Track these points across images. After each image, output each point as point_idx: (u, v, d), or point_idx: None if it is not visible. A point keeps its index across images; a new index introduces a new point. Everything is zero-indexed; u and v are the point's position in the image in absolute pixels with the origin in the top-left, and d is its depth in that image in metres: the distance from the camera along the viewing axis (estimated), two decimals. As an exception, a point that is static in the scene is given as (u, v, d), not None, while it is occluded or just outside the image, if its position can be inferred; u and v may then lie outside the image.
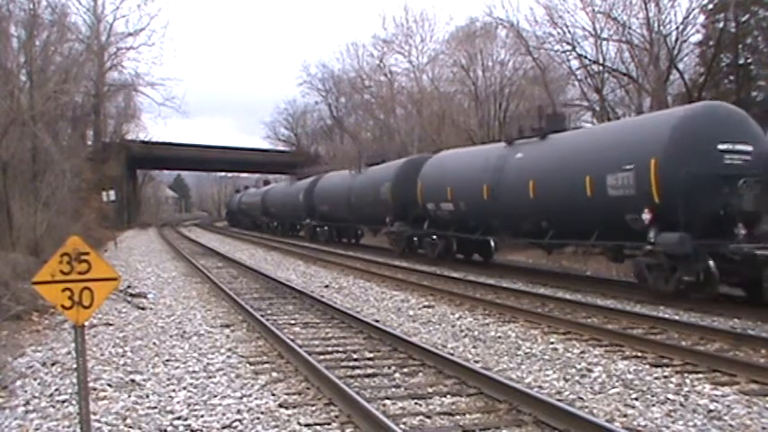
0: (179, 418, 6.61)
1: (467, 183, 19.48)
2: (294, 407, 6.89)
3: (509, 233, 18.83)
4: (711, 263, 12.20)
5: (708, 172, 12.38)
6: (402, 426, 6.18)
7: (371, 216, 27.52)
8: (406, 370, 8.30)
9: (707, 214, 12.45)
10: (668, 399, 7.00)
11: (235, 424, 6.41)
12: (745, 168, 12.55)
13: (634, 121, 17.09)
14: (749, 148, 12.52)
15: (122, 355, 9.44)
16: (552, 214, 16.18)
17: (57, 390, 7.70)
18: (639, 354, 8.98)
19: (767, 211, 12.01)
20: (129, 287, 16.24)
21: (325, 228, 35.22)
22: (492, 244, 20.93)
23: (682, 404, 6.83)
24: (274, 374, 8.22)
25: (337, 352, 9.34)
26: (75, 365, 5.83)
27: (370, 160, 31.16)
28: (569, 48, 30.12)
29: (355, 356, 9.06)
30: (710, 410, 6.61)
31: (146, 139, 55.12)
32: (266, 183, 55.60)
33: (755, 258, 11.48)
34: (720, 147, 12.68)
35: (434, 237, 22.08)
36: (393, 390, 7.47)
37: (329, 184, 34.59)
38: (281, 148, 72.12)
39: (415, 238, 23.87)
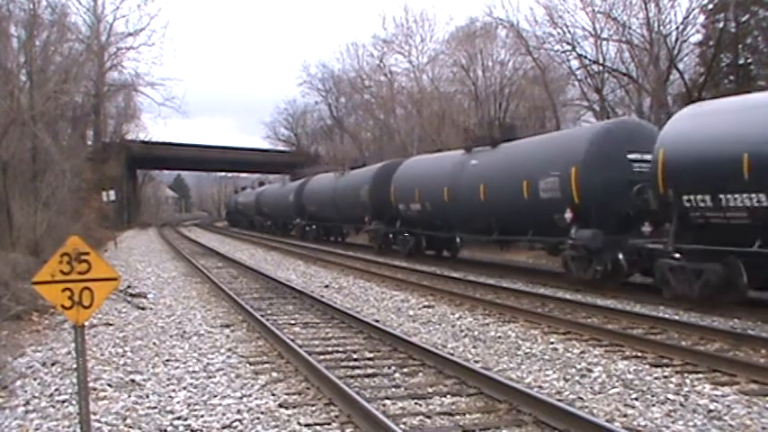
0: (179, 418, 6.62)
1: (432, 186, 21.70)
2: (294, 407, 6.89)
3: (465, 230, 21.14)
4: (621, 255, 14.36)
5: (619, 178, 14.51)
6: (402, 426, 6.18)
7: (353, 216, 29.85)
8: (406, 370, 8.30)
9: (617, 214, 14.67)
10: (668, 399, 7.00)
11: (235, 424, 6.41)
12: (652, 175, 13.74)
13: (561, 133, 19.26)
14: None
15: (122, 355, 9.44)
16: (499, 214, 18.47)
17: (57, 390, 7.70)
18: (639, 354, 8.98)
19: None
20: (129, 287, 16.24)
21: (314, 227, 37.07)
22: (458, 240, 22.95)
23: (682, 404, 6.83)
24: (274, 374, 8.22)
25: (337, 352, 9.34)
26: (75, 365, 5.83)
27: (353, 164, 33.84)
28: (569, 48, 30.16)
29: (355, 356, 9.06)
30: (710, 410, 6.61)
31: (146, 139, 55.09)
32: (261, 183, 57.77)
33: (651, 251, 13.66)
34: (630, 156, 14.64)
35: (406, 234, 24.39)
36: (393, 390, 7.47)
37: (317, 186, 36.27)
38: (281, 148, 72.02)
39: (390, 236, 25.98)
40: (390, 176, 25.29)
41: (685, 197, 12.27)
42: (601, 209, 14.63)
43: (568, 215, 15.21)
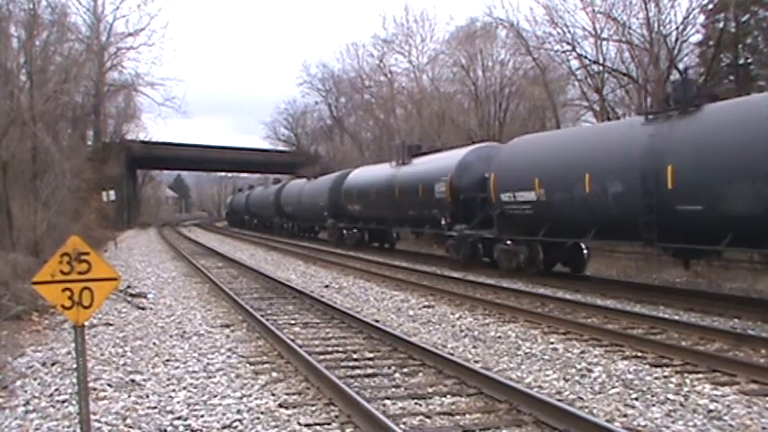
0: (179, 418, 6.62)
1: (295, 197, 40.85)
2: (294, 407, 6.89)
3: (306, 222, 40.90)
4: (344, 231, 32.20)
5: (338, 200, 31.92)
6: (402, 426, 6.18)
7: (268, 214, 48.78)
8: (406, 370, 8.30)
9: (345, 213, 31.41)
10: (668, 399, 7.00)
11: (235, 424, 6.41)
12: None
13: (328, 176, 36.07)
14: None
15: (122, 355, 9.44)
16: (312, 213, 37.31)
17: (57, 390, 7.70)
18: (639, 354, 8.98)
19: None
20: (129, 287, 16.24)
21: (254, 221, 55.65)
22: (317, 228, 40.94)
23: (682, 404, 6.83)
24: (274, 374, 8.22)
25: (337, 352, 9.34)
26: (75, 365, 5.83)
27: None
28: (569, 48, 30.13)
29: (355, 356, 9.07)
30: (710, 410, 6.61)
31: (146, 139, 55.13)
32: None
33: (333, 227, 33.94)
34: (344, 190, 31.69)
35: (289, 224, 44.45)
36: (393, 390, 7.48)
37: (258, 195, 54.25)
38: (281, 148, 72.02)
39: (285, 225, 45.22)
40: (281, 192, 44.62)
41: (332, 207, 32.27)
42: (333, 211, 32.81)
43: (326, 213, 33.69)
